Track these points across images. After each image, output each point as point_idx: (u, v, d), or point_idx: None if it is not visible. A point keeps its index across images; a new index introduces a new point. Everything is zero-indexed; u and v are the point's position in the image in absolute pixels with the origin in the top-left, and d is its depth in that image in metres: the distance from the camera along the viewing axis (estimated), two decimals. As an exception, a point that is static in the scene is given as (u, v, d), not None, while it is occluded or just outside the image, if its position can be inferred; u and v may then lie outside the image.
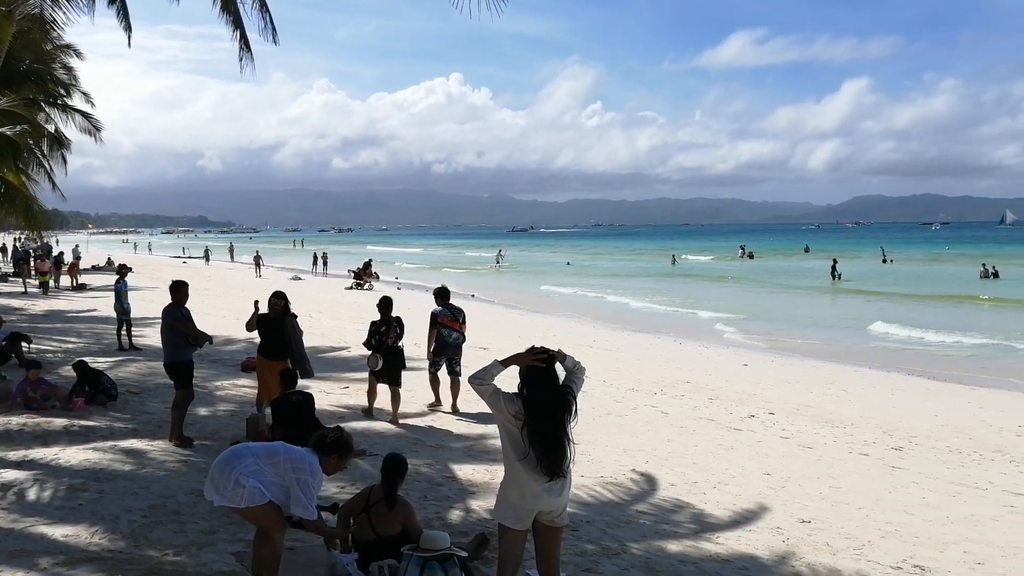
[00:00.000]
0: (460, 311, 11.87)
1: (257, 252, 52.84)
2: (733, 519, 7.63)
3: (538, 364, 4.80)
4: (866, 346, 22.70)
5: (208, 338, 9.63)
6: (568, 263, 71.57)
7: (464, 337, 11.83)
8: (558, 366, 4.92)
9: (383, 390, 11.06)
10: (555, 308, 33.21)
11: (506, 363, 4.85)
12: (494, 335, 20.41)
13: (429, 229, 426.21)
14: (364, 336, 11.32)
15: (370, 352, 10.97)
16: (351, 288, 39.95)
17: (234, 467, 5.04)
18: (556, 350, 4.95)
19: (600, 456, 9.60)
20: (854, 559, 6.72)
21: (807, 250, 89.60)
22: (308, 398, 9.03)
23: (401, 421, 10.80)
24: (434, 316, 11.63)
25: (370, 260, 46.75)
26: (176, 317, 9.35)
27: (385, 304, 11.04)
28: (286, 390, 9.11)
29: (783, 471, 9.39)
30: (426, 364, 12.01)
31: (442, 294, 11.90)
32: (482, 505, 7.47)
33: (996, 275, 46.83)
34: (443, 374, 11.84)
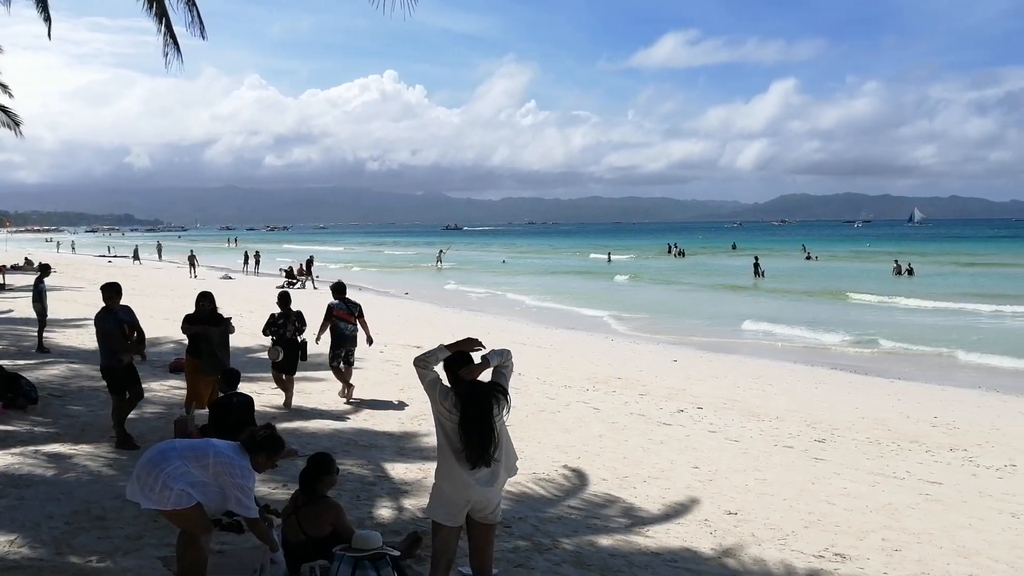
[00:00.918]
0: (356, 305, 12.55)
1: (192, 252, 51.08)
2: (663, 512, 7.78)
3: (477, 349, 4.95)
4: (739, 340, 23.50)
5: (138, 351, 9.43)
6: (504, 261, 71.84)
7: (358, 330, 12.43)
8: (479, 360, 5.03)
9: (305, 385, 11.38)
10: (489, 306, 33.30)
11: (452, 348, 4.93)
12: (426, 332, 20.35)
13: (362, 227, 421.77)
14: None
15: (271, 343, 11.65)
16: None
17: (161, 469, 4.96)
18: (487, 351, 5.05)
19: (533, 453, 9.67)
20: (778, 549, 6.91)
21: (734, 248, 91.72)
22: (248, 400, 8.90)
23: (333, 425, 10.72)
24: (330, 309, 12.31)
25: (312, 257, 45.94)
26: (106, 329, 9.10)
27: (284, 299, 11.87)
28: (227, 391, 8.94)
29: (711, 464, 9.60)
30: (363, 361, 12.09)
31: (339, 288, 12.65)
32: (415, 504, 7.48)
33: (911, 272, 48.39)
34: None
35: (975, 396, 15.03)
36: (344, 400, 12.10)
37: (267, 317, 12.06)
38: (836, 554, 6.85)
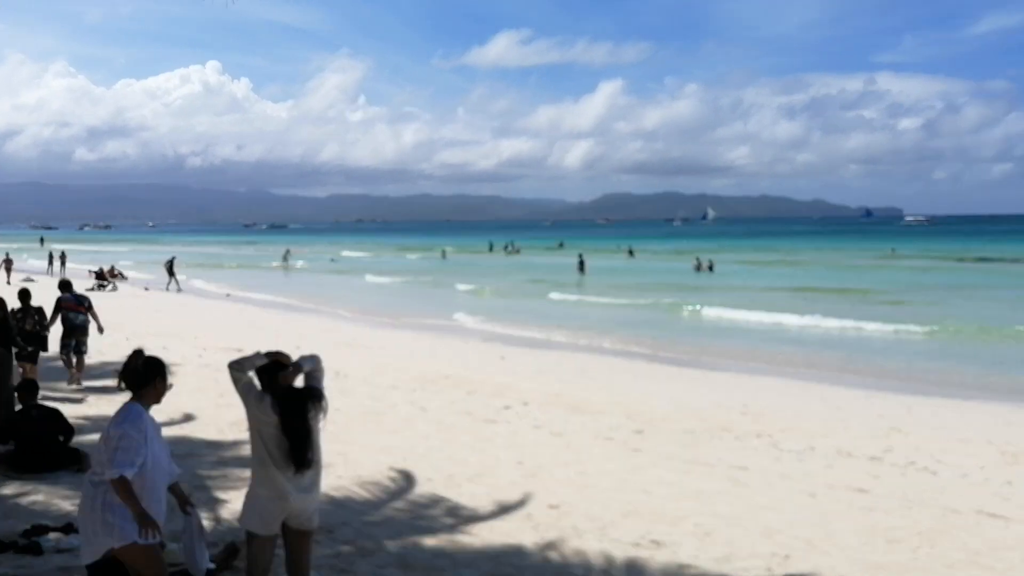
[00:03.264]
0: (85, 298, 13.76)
1: (8, 255, 45.91)
2: (488, 510, 7.82)
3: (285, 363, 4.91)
4: (566, 335, 24.27)
5: None
6: (332, 259, 70.52)
7: (89, 320, 13.40)
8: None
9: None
10: (323, 307, 32.57)
11: (269, 356, 4.89)
12: (244, 336, 19.63)
13: (180, 225, 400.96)
14: (100, 342, 12.57)
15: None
16: (92, 289, 36.89)
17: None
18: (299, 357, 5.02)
19: (358, 456, 9.50)
20: (598, 539, 7.11)
21: (561, 246, 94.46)
22: (53, 414, 8.25)
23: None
24: (59, 302, 13.25)
25: (174, 258, 42.89)
26: None
27: (24, 295, 12.63)
28: (27, 402, 8.26)
29: (535, 459, 9.76)
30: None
31: (65, 285, 13.73)
32: (233, 513, 7.16)
33: (711, 268, 51.42)
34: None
35: (780, 384, 16.10)
36: (72, 385, 12.85)
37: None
38: (652, 541, 7.12)
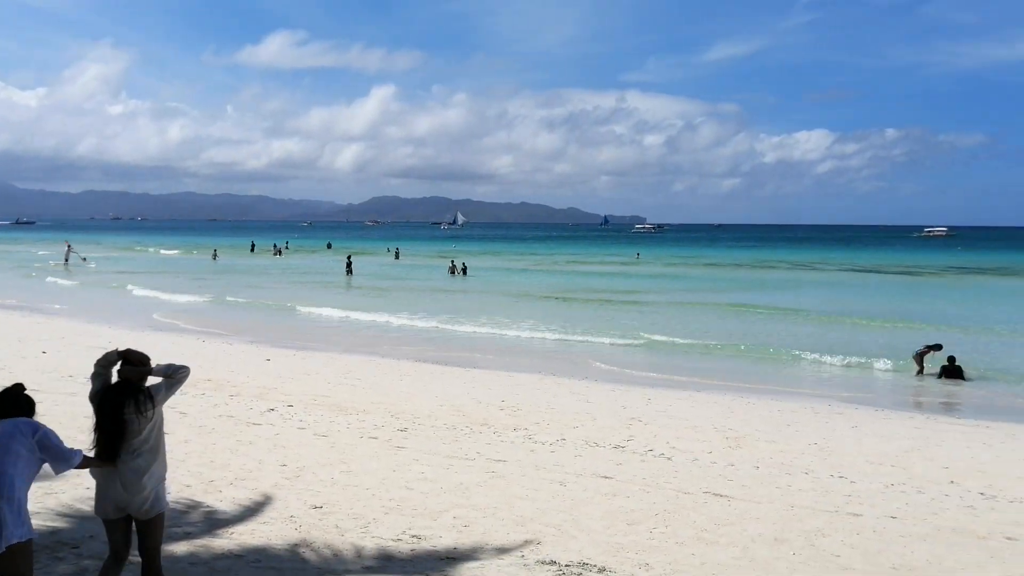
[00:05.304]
0: None
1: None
2: (248, 514, 7.74)
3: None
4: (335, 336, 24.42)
5: None
6: (84, 259, 65.16)
7: None
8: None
9: None
10: (81, 311, 30.13)
11: (121, 354, 5.26)
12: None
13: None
14: None
15: None
16: None
17: None
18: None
19: (107, 465, 9.04)
20: (360, 537, 7.25)
21: (329, 247, 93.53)
22: None
23: None
24: None
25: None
26: None
27: None
28: None
29: (299, 461, 9.73)
30: None
31: None
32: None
33: (465, 271, 52.89)
34: None
35: (535, 380, 16.92)
36: None
37: None
38: (413, 536, 7.36)
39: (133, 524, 5.28)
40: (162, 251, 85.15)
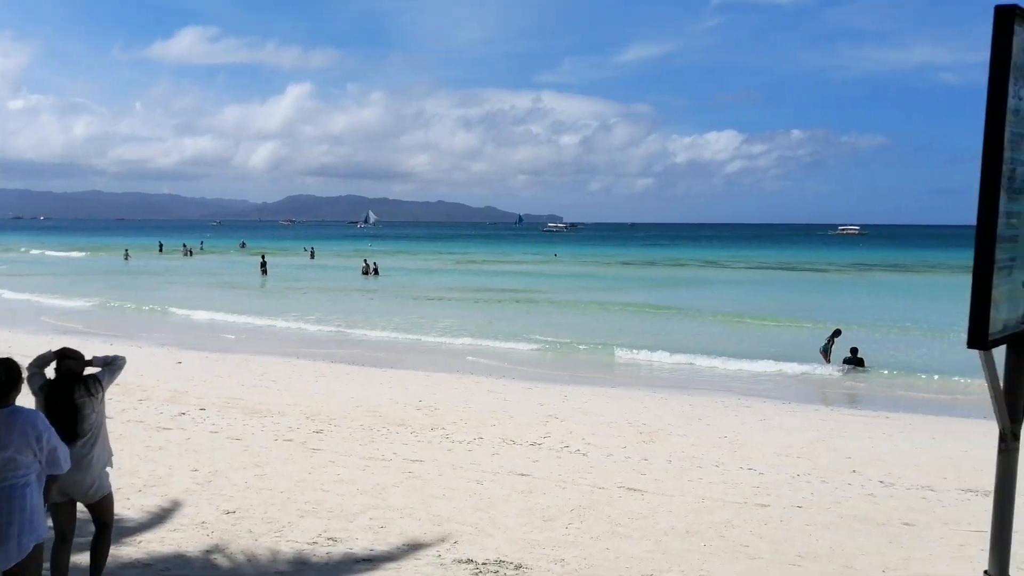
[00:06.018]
0: None
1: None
2: (157, 521, 7.56)
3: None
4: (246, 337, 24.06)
5: None
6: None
7: None
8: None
9: None
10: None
11: (57, 353, 5.56)
12: None
13: None
14: None
15: None
16: None
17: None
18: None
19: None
20: (274, 541, 7.15)
21: (243, 246, 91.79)
22: None
23: None
24: None
25: None
26: None
27: None
28: None
29: (211, 465, 9.53)
30: None
31: None
32: None
33: (377, 272, 52.38)
34: None
35: (452, 379, 16.93)
36: None
37: None
38: (329, 538, 7.29)
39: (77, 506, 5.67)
40: (47, 252, 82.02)
